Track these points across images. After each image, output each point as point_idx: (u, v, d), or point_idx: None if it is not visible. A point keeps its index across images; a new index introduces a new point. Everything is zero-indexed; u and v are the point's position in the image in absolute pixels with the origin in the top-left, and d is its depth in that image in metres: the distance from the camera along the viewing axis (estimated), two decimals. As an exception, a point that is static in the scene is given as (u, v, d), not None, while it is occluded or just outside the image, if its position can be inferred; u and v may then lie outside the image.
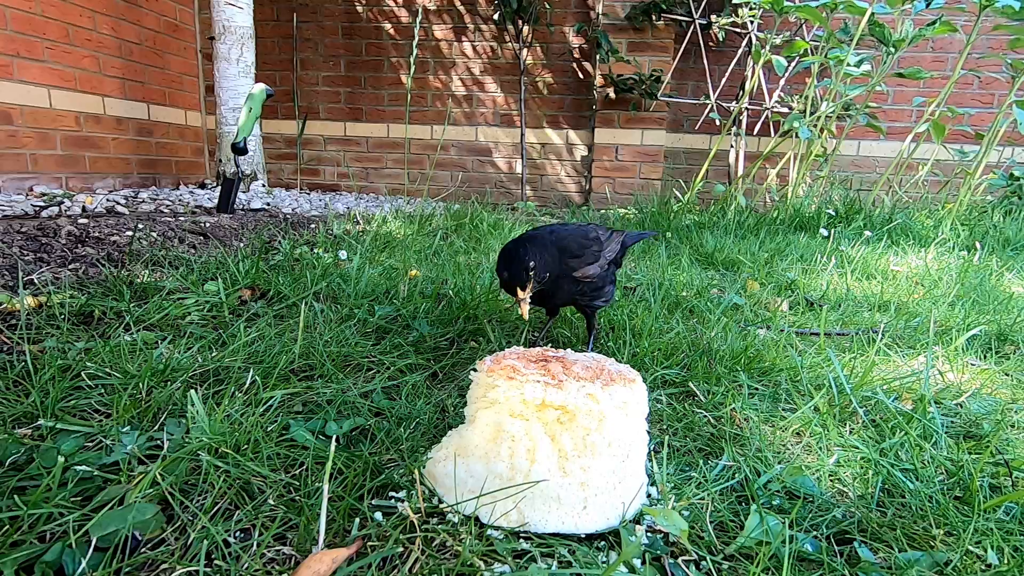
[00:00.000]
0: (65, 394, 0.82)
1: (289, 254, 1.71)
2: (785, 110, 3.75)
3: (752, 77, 3.32)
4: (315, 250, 1.84)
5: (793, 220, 2.86)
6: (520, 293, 0.97)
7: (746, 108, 3.72)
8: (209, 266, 1.51)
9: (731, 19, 3.59)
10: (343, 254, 1.79)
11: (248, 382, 0.88)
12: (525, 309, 0.99)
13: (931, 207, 3.14)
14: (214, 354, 1.00)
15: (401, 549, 0.58)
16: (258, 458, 0.70)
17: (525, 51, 4.05)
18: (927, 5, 2.70)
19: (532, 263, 0.97)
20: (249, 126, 2.46)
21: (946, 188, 3.39)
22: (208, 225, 2.04)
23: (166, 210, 2.64)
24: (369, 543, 0.58)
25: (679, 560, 0.59)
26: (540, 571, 0.55)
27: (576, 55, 4.12)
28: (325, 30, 4.27)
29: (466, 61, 4.22)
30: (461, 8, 4.14)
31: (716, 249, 2.21)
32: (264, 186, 3.55)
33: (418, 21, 2.90)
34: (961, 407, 0.97)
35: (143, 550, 0.56)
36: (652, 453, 0.78)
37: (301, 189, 4.46)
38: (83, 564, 0.52)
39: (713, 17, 3.73)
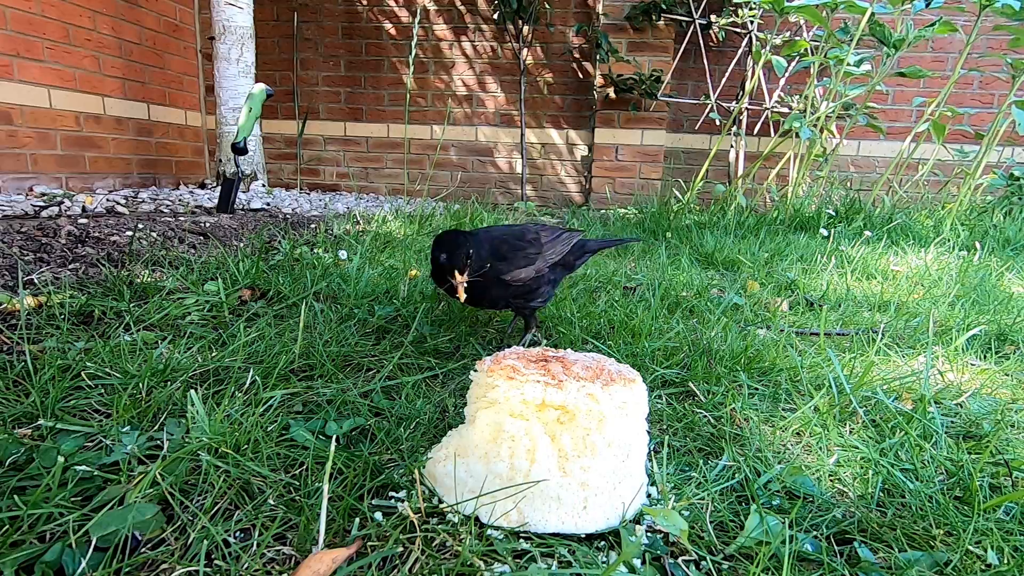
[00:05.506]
0: (65, 394, 0.82)
1: (289, 254, 1.71)
2: (785, 110, 3.75)
3: (752, 77, 3.32)
4: (315, 250, 1.84)
5: (793, 220, 2.86)
6: (458, 276, 0.99)
7: (746, 108, 3.72)
8: (209, 266, 1.51)
9: (731, 19, 3.59)
10: (343, 254, 1.79)
11: (248, 382, 0.88)
12: (462, 292, 1.00)
13: (931, 207, 3.14)
14: (214, 354, 1.00)
15: (401, 549, 0.58)
16: (258, 458, 0.70)
17: (525, 51, 4.05)
18: (927, 5, 2.70)
19: (471, 250, 0.98)
20: (249, 126, 2.46)
21: (946, 188, 3.39)
22: (208, 225, 2.04)
23: (166, 210, 2.64)
24: (369, 543, 0.58)
25: (679, 560, 0.59)
26: (540, 571, 0.55)
27: (576, 55, 4.12)
28: (325, 30, 4.27)
29: (466, 61, 4.22)
30: (461, 8, 4.14)
31: (716, 249, 2.21)
32: (264, 186, 3.55)
33: (417, 21, 2.89)
34: (961, 407, 0.97)
35: (143, 550, 0.56)
36: (652, 453, 0.78)
37: (301, 189, 4.46)
38: (83, 564, 0.52)
39: (713, 17, 3.73)
